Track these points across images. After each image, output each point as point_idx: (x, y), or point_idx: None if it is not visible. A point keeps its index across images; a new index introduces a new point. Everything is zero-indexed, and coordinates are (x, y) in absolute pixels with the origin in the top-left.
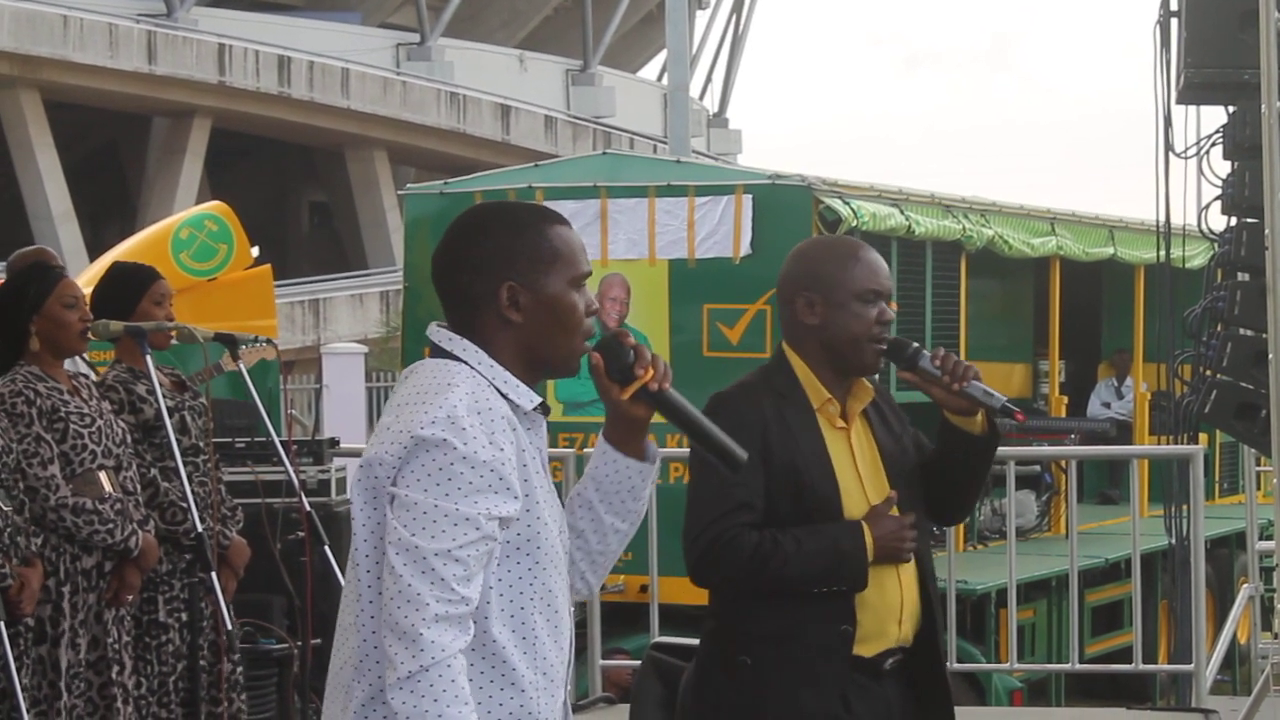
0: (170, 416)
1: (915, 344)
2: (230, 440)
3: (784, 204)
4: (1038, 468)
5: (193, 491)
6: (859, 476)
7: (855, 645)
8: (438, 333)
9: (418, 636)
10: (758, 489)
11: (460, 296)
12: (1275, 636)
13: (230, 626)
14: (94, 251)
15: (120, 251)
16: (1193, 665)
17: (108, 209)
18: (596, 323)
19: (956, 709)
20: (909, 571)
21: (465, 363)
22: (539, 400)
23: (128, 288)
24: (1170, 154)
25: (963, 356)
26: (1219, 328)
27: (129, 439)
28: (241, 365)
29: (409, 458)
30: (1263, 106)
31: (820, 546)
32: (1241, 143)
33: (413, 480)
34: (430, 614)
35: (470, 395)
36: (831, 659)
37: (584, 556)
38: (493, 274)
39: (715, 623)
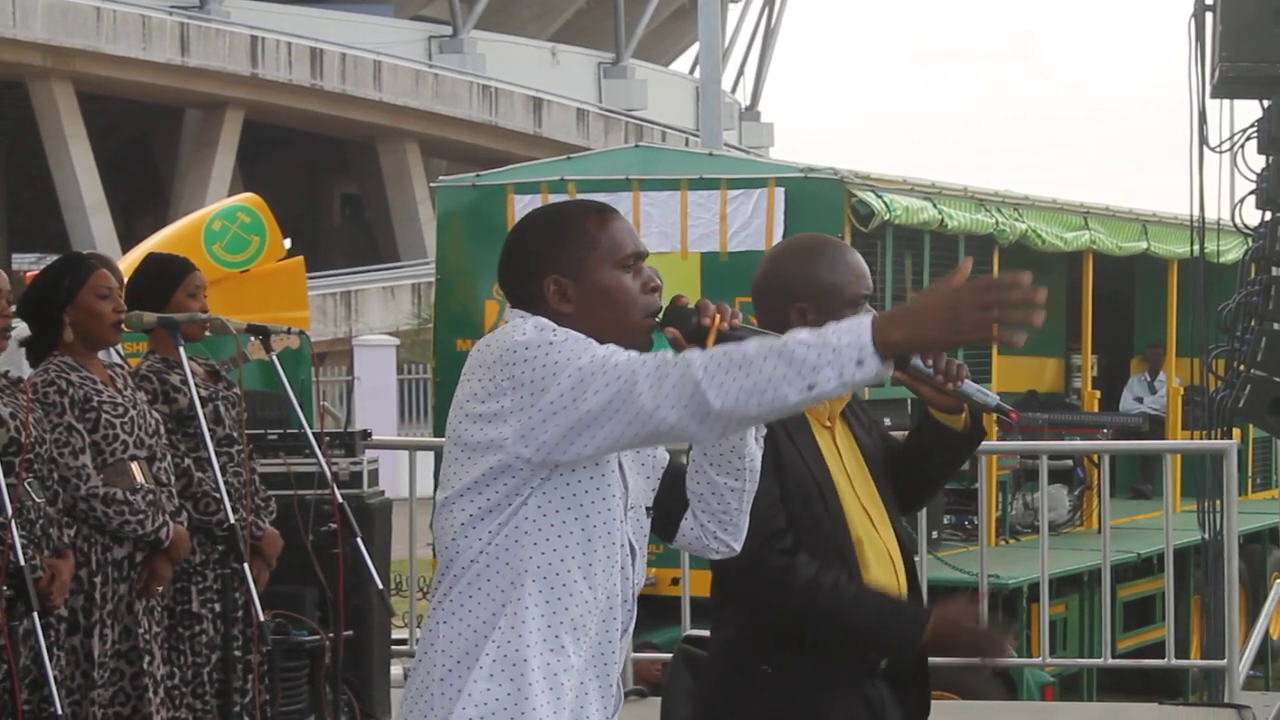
0: (204, 407)
1: None
2: (263, 432)
3: (817, 197)
4: (1070, 462)
5: (226, 482)
6: (846, 474)
7: None
8: (511, 313)
9: (638, 375)
10: (777, 499)
11: (518, 297)
12: None
13: (262, 618)
14: (126, 243)
15: (153, 243)
16: (1225, 661)
17: (140, 200)
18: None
19: (990, 704)
20: (902, 573)
21: None
22: None
23: (163, 279)
24: (1205, 148)
25: (994, 352)
26: (1253, 322)
27: (163, 430)
28: (274, 356)
29: (515, 361)
30: None
31: (877, 605)
32: (1276, 137)
33: (529, 371)
34: (631, 361)
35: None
36: (855, 663)
37: (711, 518)
38: (538, 272)
39: (732, 632)
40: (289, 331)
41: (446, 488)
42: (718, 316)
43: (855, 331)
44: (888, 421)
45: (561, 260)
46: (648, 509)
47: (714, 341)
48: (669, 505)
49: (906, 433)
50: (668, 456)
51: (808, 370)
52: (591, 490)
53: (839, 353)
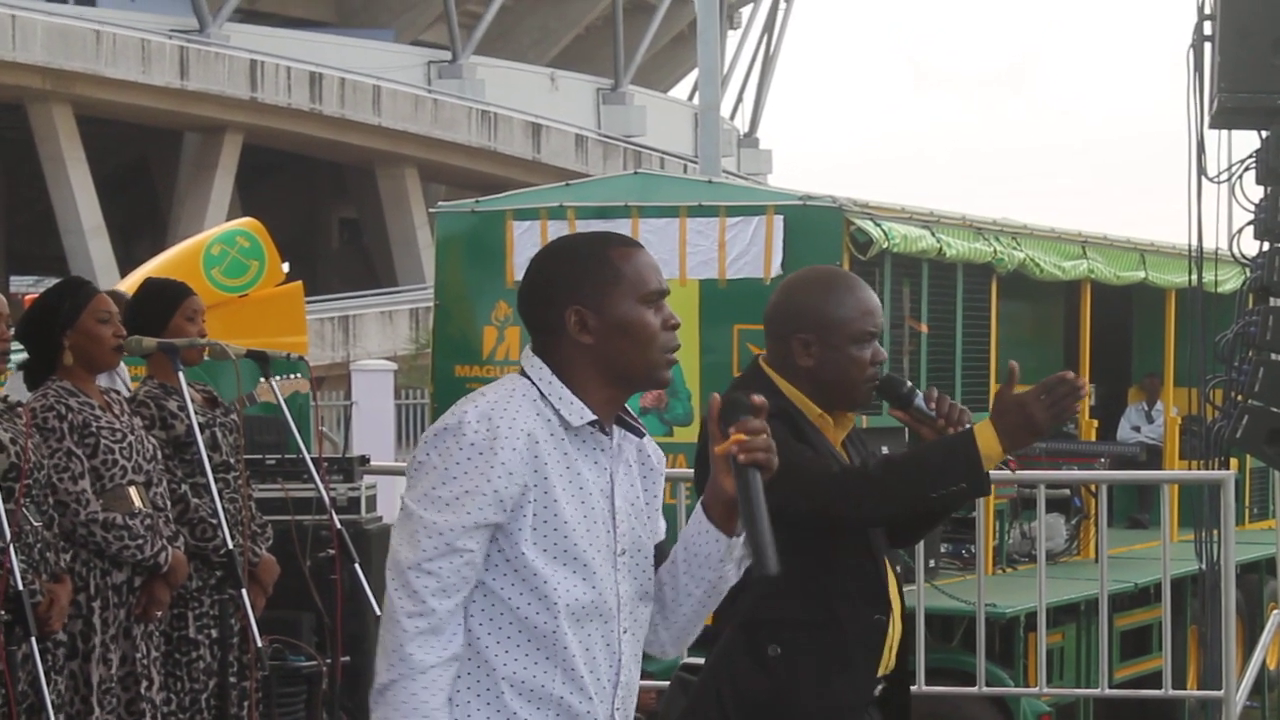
0: (201, 433)
1: (909, 384)
2: (261, 457)
3: (815, 225)
4: (1067, 491)
5: (223, 508)
6: None
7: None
8: (523, 351)
9: (393, 650)
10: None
11: (538, 325)
12: None
13: (259, 643)
14: (125, 266)
15: (152, 267)
16: (1222, 691)
17: (139, 224)
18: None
19: None
20: (897, 602)
21: (529, 379)
22: (592, 417)
23: (161, 303)
24: (1203, 178)
25: (992, 380)
26: (1251, 353)
27: (160, 455)
28: (274, 383)
29: (417, 454)
30: None
31: (930, 447)
32: (1274, 168)
33: (410, 479)
34: (401, 629)
35: (490, 405)
36: (865, 647)
37: (659, 609)
38: (560, 301)
39: (745, 615)
40: (294, 374)
41: None
42: (739, 435)
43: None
44: (884, 449)
45: (584, 291)
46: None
47: (720, 450)
48: None
49: None
50: (663, 532)
51: None
52: (542, 555)
53: None
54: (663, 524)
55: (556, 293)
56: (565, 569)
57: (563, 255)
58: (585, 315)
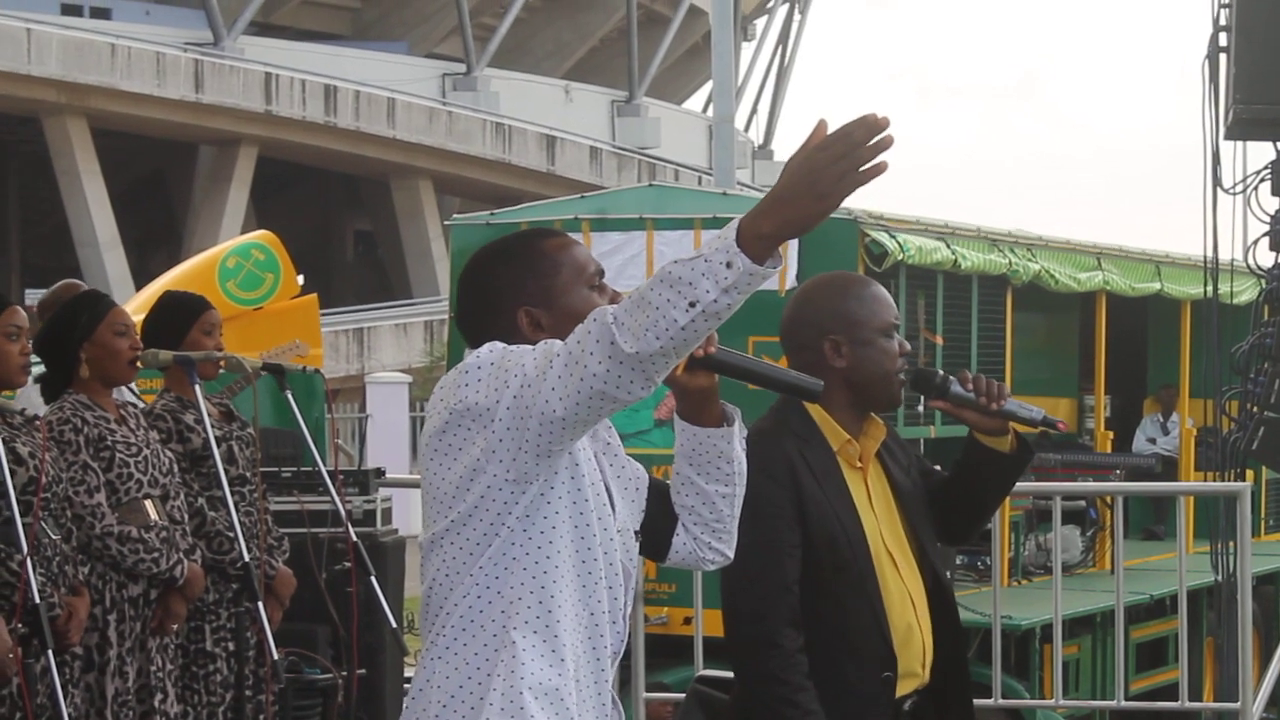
0: (218, 446)
1: (942, 372)
2: (276, 470)
3: (830, 237)
4: (1083, 503)
5: (239, 521)
6: (875, 517)
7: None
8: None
9: (572, 336)
10: (796, 542)
11: (488, 338)
12: None
13: (275, 656)
14: (140, 279)
15: (167, 280)
16: (1239, 704)
17: (154, 236)
18: None
19: None
20: (924, 615)
21: None
22: None
23: (178, 317)
24: (1218, 190)
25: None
26: (1266, 364)
27: (176, 468)
28: (289, 395)
29: (469, 383)
30: None
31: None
32: None
33: (483, 389)
34: (613, 346)
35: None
36: (875, 707)
37: (704, 529)
38: (507, 306)
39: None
40: (308, 372)
41: (429, 528)
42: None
43: (724, 236)
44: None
45: (529, 289)
46: (635, 533)
47: (685, 366)
48: (657, 524)
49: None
50: (646, 476)
51: (686, 287)
52: (575, 515)
53: (710, 261)
54: (639, 466)
55: (501, 298)
56: (589, 538)
57: (499, 260)
58: (536, 314)
